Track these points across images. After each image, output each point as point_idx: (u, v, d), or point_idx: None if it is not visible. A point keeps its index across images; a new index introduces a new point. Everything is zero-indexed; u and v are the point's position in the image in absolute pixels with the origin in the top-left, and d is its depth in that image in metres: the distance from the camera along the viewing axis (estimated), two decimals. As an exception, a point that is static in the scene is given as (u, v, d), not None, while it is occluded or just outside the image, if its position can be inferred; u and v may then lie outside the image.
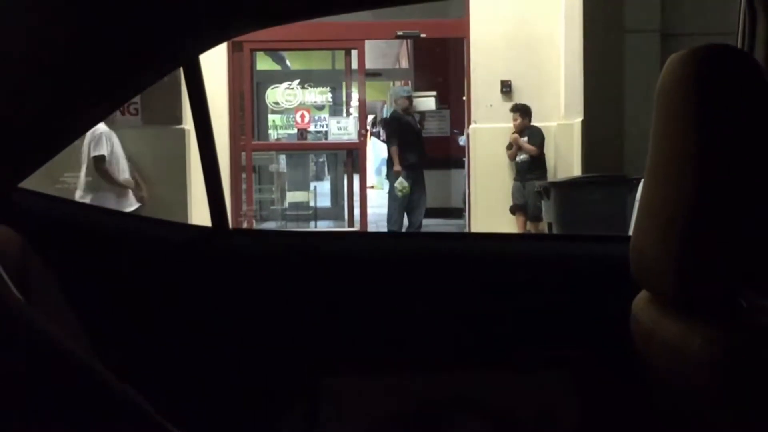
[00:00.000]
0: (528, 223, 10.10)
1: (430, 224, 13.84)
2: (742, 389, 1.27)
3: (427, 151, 13.47)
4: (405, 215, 11.37)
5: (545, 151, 10.13)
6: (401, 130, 11.20)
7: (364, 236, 2.89)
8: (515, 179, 10.23)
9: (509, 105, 10.40)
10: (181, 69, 2.01)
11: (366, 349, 2.05)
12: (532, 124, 10.11)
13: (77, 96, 1.59)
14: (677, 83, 1.36)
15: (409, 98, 11.83)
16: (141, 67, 1.65)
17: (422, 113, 13.40)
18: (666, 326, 1.40)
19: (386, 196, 18.13)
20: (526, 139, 10.05)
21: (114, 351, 1.78)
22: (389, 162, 11.46)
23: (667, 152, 1.38)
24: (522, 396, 2.01)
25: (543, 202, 8.84)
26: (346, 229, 12.16)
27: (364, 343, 2.05)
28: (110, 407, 1.04)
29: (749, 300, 1.32)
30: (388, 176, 11.73)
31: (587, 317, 1.96)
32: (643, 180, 1.50)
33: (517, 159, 10.12)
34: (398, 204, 11.21)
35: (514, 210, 10.25)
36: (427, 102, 14.56)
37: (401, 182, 11.06)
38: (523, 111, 10.11)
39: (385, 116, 20.69)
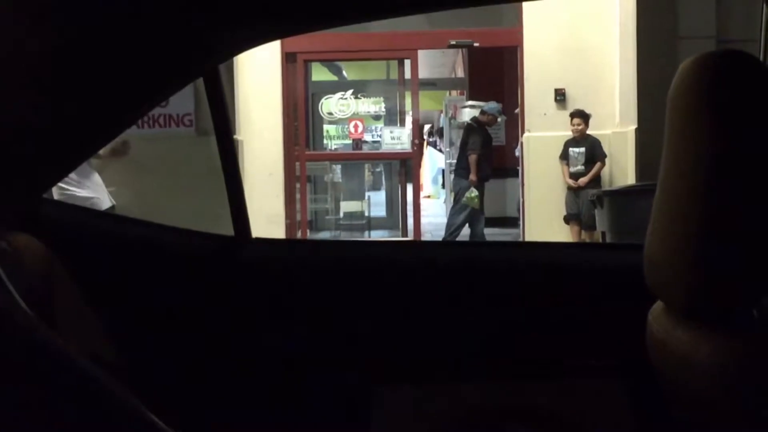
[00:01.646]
0: (583, 232, 10.02)
1: (486, 233, 13.78)
2: (752, 399, 1.25)
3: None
4: (466, 225, 11.26)
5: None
6: (482, 142, 11.14)
7: (391, 245, 2.89)
8: (569, 188, 10.15)
9: (564, 113, 10.33)
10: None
11: (400, 358, 2.05)
12: (588, 133, 10.04)
13: (100, 106, 1.61)
14: (689, 89, 1.34)
15: (495, 117, 11.66)
16: (161, 77, 1.68)
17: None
18: (677, 335, 1.39)
19: (443, 205, 18.17)
20: (583, 150, 9.97)
21: (137, 360, 1.81)
22: (460, 171, 11.29)
23: (678, 160, 1.36)
24: (570, 404, 2.00)
25: (596, 210, 8.76)
26: (399, 238, 12.16)
27: (395, 352, 2.05)
28: (125, 427, 1.05)
29: (761, 310, 1.30)
30: (455, 185, 11.56)
31: (633, 326, 1.95)
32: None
33: (572, 169, 10.05)
34: (464, 214, 11.10)
35: (568, 219, 10.18)
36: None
37: (472, 192, 10.97)
38: (585, 117, 10.03)
39: (440, 125, 20.71)
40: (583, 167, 9.97)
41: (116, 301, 1.91)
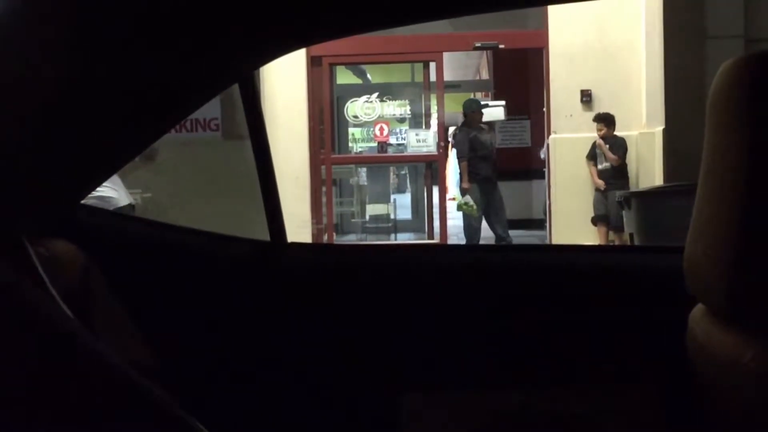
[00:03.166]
0: (611, 233, 9.99)
1: (512, 235, 13.76)
2: None
3: (507, 162, 13.38)
4: (483, 228, 11.13)
5: (627, 161, 10.00)
6: (470, 145, 10.80)
7: (423, 248, 2.87)
8: (597, 189, 10.12)
9: (589, 114, 10.31)
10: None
11: (435, 365, 2.04)
12: (615, 134, 10.01)
13: (136, 113, 1.62)
14: (729, 91, 1.33)
15: (480, 111, 11.32)
16: (196, 85, 1.68)
17: (490, 123, 12.71)
18: (718, 339, 1.37)
19: (468, 207, 18.16)
20: (608, 147, 9.95)
21: (175, 365, 1.82)
22: (460, 177, 11.18)
23: (719, 163, 1.35)
24: (597, 409, 1.98)
25: (624, 212, 8.72)
26: (426, 241, 12.15)
27: (433, 359, 2.04)
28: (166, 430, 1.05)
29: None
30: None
31: (663, 330, 1.93)
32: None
33: (599, 167, 10.02)
34: (469, 220, 10.92)
35: (596, 221, 10.15)
36: (494, 112, 13.90)
37: (465, 200, 10.77)
38: (607, 121, 10.00)
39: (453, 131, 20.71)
40: (610, 165, 9.94)
41: (152, 306, 1.92)
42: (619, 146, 9.94)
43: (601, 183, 10.00)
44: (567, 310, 2.04)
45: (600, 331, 2.00)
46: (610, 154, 9.85)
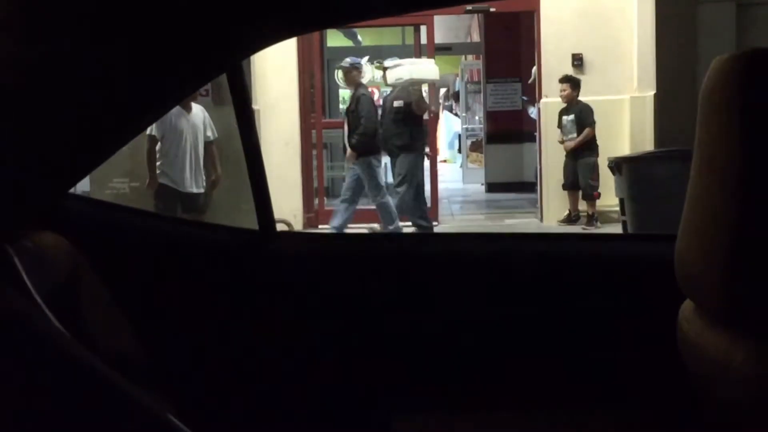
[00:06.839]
0: (582, 201, 10.03)
1: (503, 198, 13.81)
2: None
3: (498, 124, 13.19)
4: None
5: (605, 127, 9.98)
6: (352, 110, 9.30)
7: (418, 237, 2.86)
8: (566, 156, 10.14)
9: (581, 78, 10.26)
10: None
11: (425, 355, 2.04)
12: (579, 99, 9.98)
13: (124, 103, 1.61)
14: (721, 87, 1.32)
15: (354, 69, 9.47)
16: (184, 74, 1.67)
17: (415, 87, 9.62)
18: (710, 338, 1.37)
19: (459, 170, 18.12)
20: (573, 117, 9.94)
21: (163, 355, 1.82)
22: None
23: (710, 160, 1.34)
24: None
25: (615, 177, 8.71)
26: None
27: (423, 349, 2.04)
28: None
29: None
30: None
31: (641, 320, 1.93)
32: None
33: (564, 138, 10.04)
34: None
35: (566, 187, 10.25)
36: (423, 70, 9.88)
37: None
38: (572, 83, 10.03)
39: (456, 89, 20.56)
40: (575, 135, 9.95)
41: (140, 297, 1.91)
42: (587, 115, 9.92)
43: (569, 144, 10.01)
44: (561, 301, 2.04)
45: (593, 323, 2.00)
46: (580, 140, 9.84)
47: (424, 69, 9.84)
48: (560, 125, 10.18)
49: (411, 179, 9.37)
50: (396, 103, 9.41)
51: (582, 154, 9.96)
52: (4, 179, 1.28)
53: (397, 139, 9.31)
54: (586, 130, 9.88)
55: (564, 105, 10.12)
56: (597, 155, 9.87)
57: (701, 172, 1.38)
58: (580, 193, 10.09)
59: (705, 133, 1.36)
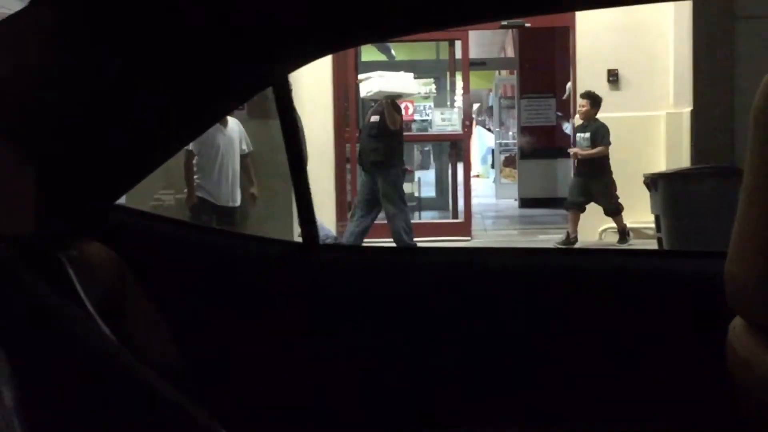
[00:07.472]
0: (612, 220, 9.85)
1: (536, 214, 13.77)
2: None
3: (532, 140, 13.15)
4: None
5: (621, 147, 9.83)
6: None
7: (458, 251, 2.84)
8: (575, 175, 10.00)
9: (617, 94, 10.22)
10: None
11: (463, 368, 2.03)
12: (597, 117, 9.74)
13: (171, 116, 1.62)
14: None
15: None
16: (230, 88, 1.68)
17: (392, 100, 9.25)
18: (763, 357, 1.35)
19: (492, 185, 18.09)
20: (588, 135, 9.70)
21: (207, 367, 1.83)
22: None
23: (762, 175, 1.32)
24: None
25: (651, 194, 8.64)
26: (450, 220, 12.12)
27: (462, 361, 2.03)
28: None
29: None
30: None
31: (686, 338, 1.91)
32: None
33: (579, 156, 9.87)
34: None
35: (569, 206, 10.05)
36: (395, 83, 9.41)
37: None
38: (593, 100, 9.78)
39: (489, 104, 20.54)
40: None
41: (183, 307, 1.92)
42: (601, 135, 9.65)
43: (578, 152, 9.80)
44: (596, 316, 2.02)
45: (635, 336, 1.98)
46: (591, 152, 9.57)
47: (395, 82, 9.44)
48: (574, 142, 10.00)
49: (398, 200, 9.11)
50: (373, 118, 9.22)
51: (594, 174, 9.70)
52: (58, 190, 1.30)
53: (373, 155, 9.05)
54: (600, 148, 9.60)
55: (581, 122, 9.91)
56: (611, 173, 9.61)
57: (751, 188, 1.36)
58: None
59: (757, 148, 1.34)
